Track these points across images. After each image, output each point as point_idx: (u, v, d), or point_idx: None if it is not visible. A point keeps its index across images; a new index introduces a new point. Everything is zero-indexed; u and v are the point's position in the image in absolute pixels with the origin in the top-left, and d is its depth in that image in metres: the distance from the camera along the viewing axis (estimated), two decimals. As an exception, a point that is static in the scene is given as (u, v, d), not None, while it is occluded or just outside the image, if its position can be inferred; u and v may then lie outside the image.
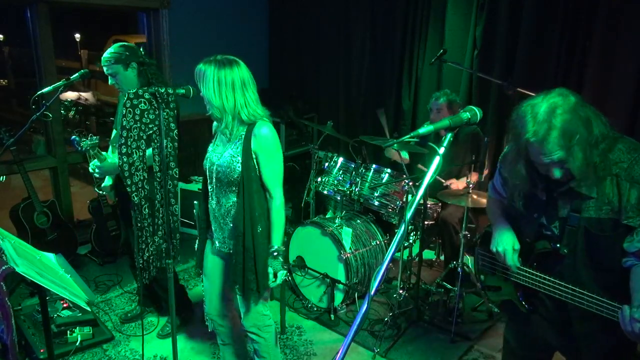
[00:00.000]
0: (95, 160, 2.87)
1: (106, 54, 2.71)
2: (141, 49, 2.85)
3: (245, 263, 2.17)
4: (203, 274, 2.42)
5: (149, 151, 2.32)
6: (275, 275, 2.18)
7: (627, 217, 1.57)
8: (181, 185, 4.50)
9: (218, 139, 2.25)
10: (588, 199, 1.61)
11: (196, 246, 2.39)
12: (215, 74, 2.01)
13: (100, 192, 3.04)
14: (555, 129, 1.50)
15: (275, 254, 2.17)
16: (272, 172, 2.14)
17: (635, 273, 1.58)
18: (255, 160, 2.11)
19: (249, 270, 2.18)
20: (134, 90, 2.18)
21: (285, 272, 2.24)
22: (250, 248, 2.15)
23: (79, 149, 2.74)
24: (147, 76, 2.75)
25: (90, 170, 2.92)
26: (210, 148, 2.27)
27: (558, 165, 1.57)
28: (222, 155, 2.17)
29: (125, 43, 2.79)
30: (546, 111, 1.52)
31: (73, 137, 2.78)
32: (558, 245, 1.72)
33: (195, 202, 2.31)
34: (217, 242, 2.30)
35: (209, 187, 2.25)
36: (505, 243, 1.84)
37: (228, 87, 2.03)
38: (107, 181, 2.97)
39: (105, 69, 2.72)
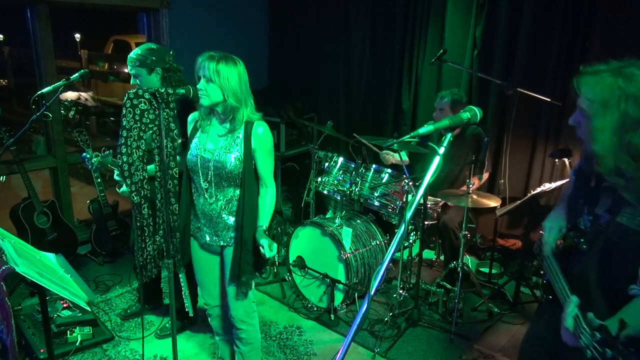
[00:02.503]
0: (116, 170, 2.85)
1: (132, 54, 2.68)
2: (171, 53, 2.79)
3: (242, 254, 2.26)
4: (195, 269, 2.49)
5: (150, 166, 2.31)
6: (270, 247, 2.22)
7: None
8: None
9: (205, 134, 2.27)
10: (626, 205, 1.44)
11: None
12: (236, 69, 2.13)
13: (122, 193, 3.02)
14: (590, 76, 1.40)
15: (263, 230, 2.27)
16: (268, 166, 2.30)
17: (634, 303, 1.39)
18: (253, 158, 2.24)
19: (245, 262, 2.27)
20: (134, 90, 2.18)
21: (276, 245, 2.30)
22: (248, 240, 2.25)
23: (89, 167, 2.71)
24: (172, 83, 2.72)
25: (116, 177, 2.90)
26: (196, 145, 2.28)
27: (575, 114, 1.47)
28: (216, 151, 2.22)
29: (154, 46, 2.72)
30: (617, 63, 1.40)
31: (84, 154, 2.74)
32: (582, 240, 1.59)
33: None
34: (207, 237, 2.35)
35: (203, 184, 2.27)
36: (551, 222, 1.73)
37: (246, 82, 2.18)
38: (125, 187, 2.95)
39: (129, 68, 2.70)
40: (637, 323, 1.32)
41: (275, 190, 2.35)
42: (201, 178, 2.27)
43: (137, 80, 2.71)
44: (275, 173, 2.38)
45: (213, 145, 2.24)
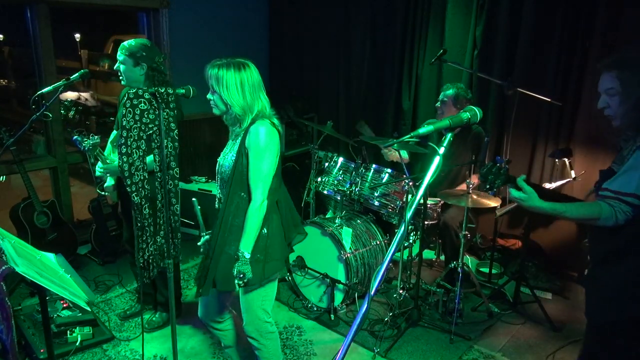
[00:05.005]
0: (98, 165, 2.88)
1: (125, 43, 2.75)
2: (163, 56, 2.86)
3: (210, 264, 2.17)
4: None
5: (149, 157, 2.32)
6: (238, 281, 2.09)
7: (614, 162, 1.83)
8: (181, 185, 4.50)
9: (229, 142, 2.27)
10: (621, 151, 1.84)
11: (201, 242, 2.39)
12: (237, 76, 2.05)
13: (102, 192, 3.05)
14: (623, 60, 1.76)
15: (236, 257, 2.08)
16: (256, 171, 2.08)
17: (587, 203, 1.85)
18: (245, 158, 2.11)
19: (215, 270, 2.16)
20: (134, 90, 2.18)
21: (242, 280, 2.09)
22: (217, 251, 2.15)
23: (81, 148, 2.76)
24: (155, 83, 2.77)
25: (97, 173, 2.93)
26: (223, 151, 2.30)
27: (601, 98, 1.83)
28: (225, 156, 2.22)
29: (149, 44, 2.80)
30: None
31: (75, 137, 2.79)
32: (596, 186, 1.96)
33: (193, 199, 2.29)
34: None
35: (217, 188, 2.30)
36: None
37: (251, 88, 2.08)
38: (110, 181, 2.98)
39: (119, 54, 2.76)
40: (569, 210, 1.84)
41: (259, 205, 2.07)
42: (217, 183, 2.29)
43: (121, 67, 2.77)
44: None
45: (227, 150, 2.24)
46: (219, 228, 2.16)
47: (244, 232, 2.08)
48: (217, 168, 2.27)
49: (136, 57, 2.72)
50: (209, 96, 2.13)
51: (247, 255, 2.08)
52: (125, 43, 2.74)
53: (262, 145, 2.07)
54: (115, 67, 2.79)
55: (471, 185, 3.16)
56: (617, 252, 1.83)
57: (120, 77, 2.81)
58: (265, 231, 2.16)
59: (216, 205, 2.32)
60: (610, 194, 1.76)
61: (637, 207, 1.73)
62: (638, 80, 1.73)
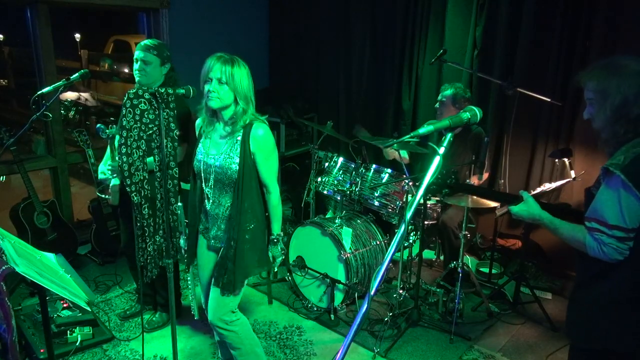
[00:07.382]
0: (104, 164, 2.86)
1: (149, 42, 2.70)
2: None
3: (227, 256, 2.26)
4: (199, 269, 2.49)
5: (149, 159, 2.32)
6: (274, 260, 2.38)
7: (594, 186, 1.75)
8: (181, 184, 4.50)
9: (208, 139, 2.27)
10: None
11: (182, 242, 2.40)
12: (246, 71, 2.16)
13: (103, 196, 3.02)
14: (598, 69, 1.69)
15: (276, 240, 2.34)
16: (269, 169, 2.25)
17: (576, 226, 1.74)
18: (252, 160, 2.20)
19: (229, 260, 2.25)
20: (134, 90, 2.18)
21: (282, 257, 2.40)
22: (239, 240, 2.24)
23: (104, 136, 2.72)
24: (172, 83, 2.77)
25: (101, 176, 2.90)
26: (200, 150, 2.28)
27: (587, 108, 1.79)
28: (218, 156, 2.21)
29: (165, 44, 2.82)
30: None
31: (98, 125, 2.77)
32: (592, 190, 1.92)
33: (179, 204, 2.29)
34: (212, 240, 2.37)
35: (205, 189, 2.29)
36: None
37: (252, 85, 2.19)
38: (115, 181, 2.94)
39: (142, 53, 2.68)
40: (563, 228, 1.77)
41: (277, 194, 2.32)
42: (204, 183, 2.28)
43: (145, 66, 2.68)
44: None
45: (216, 150, 2.23)
46: (234, 231, 2.22)
47: (274, 219, 2.32)
48: (199, 166, 2.26)
49: (163, 56, 2.72)
50: (212, 88, 2.08)
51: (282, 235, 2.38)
52: (148, 42, 2.70)
53: (270, 146, 2.23)
54: (137, 67, 2.70)
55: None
56: (601, 273, 1.71)
57: (141, 75, 2.70)
58: (253, 226, 2.26)
59: (208, 207, 2.31)
60: (596, 225, 1.63)
61: (625, 238, 1.58)
62: (614, 88, 1.63)
